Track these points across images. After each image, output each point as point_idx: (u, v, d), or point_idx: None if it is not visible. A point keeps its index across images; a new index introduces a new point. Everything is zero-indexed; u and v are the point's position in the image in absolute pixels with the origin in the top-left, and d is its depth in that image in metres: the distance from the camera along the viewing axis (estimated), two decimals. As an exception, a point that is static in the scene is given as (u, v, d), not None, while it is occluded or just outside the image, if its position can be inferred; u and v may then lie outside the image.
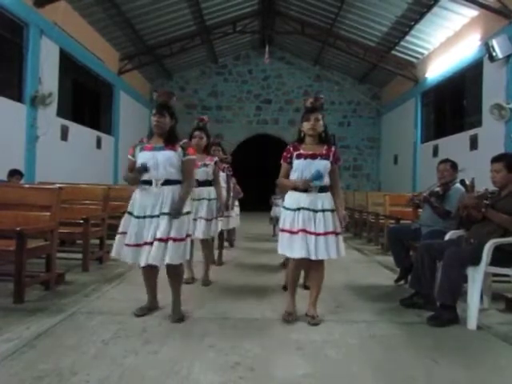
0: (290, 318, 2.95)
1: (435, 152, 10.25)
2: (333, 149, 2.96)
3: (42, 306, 3.14)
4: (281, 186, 3.12)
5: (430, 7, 8.68)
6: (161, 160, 2.84)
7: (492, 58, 7.22)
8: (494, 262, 2.93)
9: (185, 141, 3.03)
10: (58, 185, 4.19)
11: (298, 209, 2.87)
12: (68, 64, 8.69)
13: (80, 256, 4.43)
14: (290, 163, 2.96)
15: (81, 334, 2.59)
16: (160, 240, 2.75)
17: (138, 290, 3.44)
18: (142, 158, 2.88)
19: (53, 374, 2.05)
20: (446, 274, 2.98)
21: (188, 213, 2.94)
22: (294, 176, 2.94)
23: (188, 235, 2.92)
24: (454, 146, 9.11)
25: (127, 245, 2.84)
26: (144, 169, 2.83)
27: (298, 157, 2.92)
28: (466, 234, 3.33)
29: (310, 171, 2.86)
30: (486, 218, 3.10)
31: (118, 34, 10.31)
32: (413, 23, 9.55)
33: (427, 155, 10.67)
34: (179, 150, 2.92)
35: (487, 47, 7.22)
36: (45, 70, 7.49)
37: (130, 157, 3.01)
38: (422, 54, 10.82)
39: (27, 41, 7.20)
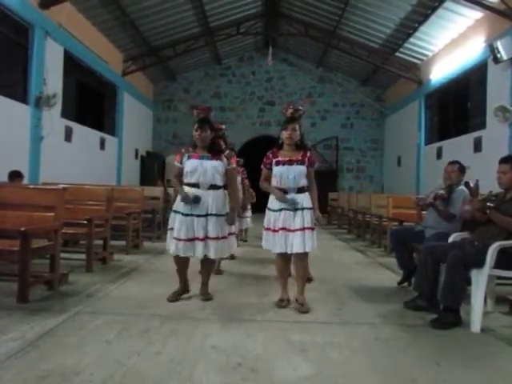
0: (282, 303, 3.30)
1: (439, 154, 10.22)
2: (308, 154, 3.31)
3: (46, 305, 3.16)
4: (263, 189, 3.42)
5: (434, 9, 8.66)
6: (208, 168, 3.30)
7: (496, 60, 7.20)
8: (498, 264, 2.92)
9: (228, 151, 3.57)
10: (62, 185, 4.21)
11: (280, 209, 3.22)
12: (72, 65, 8.74)
13: (83, 256, 4.44)
14: (270, 169, 3.33)
15: (84, 334, 2.60)
16: (216, 239, 3.27)
17: (141, 290, 3.46)
18: (191, 165, 3.30)
19: (56, 374, 2.06)
20: (449, 276, 2.97)
21: (227, 213, 3.38)
22: (274, 180, 3.29)
23: (231, 233, 3.46)
24: (457, 148, 9.08)
25: (178, 239, 3.23)
26: (197, 200, 3.21)
27: (277, 163, 3.28)
28: (470, 236, 3.32)
29: (287, 176, 3.21)
30: (491, 221, 3.09)
31: (122, 35, 10.36)
32: (417, 25, 9.53)
33: (431, 157, 10.64)
34: (225, 160, 3.40)
35: (492, 49, 7.20)
36: (49, 71, 7.54)
37: (177, 164, 3.42)
38: (426, 55, 10.80)
39: (32, 42, 7.24)
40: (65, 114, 8.31)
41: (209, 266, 3.55)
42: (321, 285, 4.13)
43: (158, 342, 2.52)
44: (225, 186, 3.46)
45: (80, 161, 8.95)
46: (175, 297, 3.37)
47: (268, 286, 3.99)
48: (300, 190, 3.24)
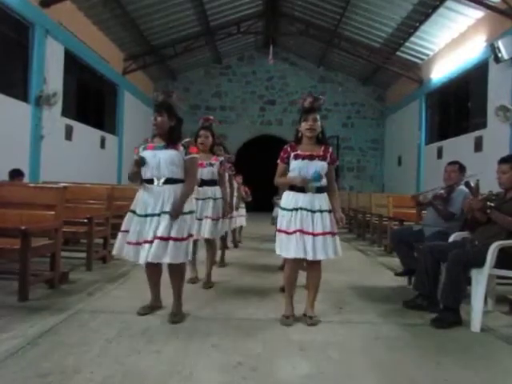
0: (288, 321, 2.90)
1: (439, 154, 10.22)
2: (330, 150, 2.96)
3: (46, 304, 3.16)
4: (279, 185, 3.09)
5: (435, 8, 8.66)
6: (162, 159, 2.84)
7: (497, 60, 7.19)
8: (498, 264, 2.92)
9: (187, 139, 2.98)
10: (63, 184, 4.21)
11: (296, 209, 2.85)
12: (73, 64, 8.73)
13: (84, 255, 4.45)
14: (287, 163, 2.94)
15: (84, 333, 2.61)
16: (160, 239, 2.74)
17: (141, 289, 3.45)
18: (144, 157, 2.90)
19: (56, 372, 2.06)
20: (449, 275, 2.97)
21: (191, 212, 2.93)
22: (292, 176, 2.92)
23: (190, 235, 2.90)
24: (458, 147, 9.08)
25: (129, 243, 2.85)
26: (142, 161, 2.84)
27: (296, 157, 2.90)
28: (470, 235, 3.32)
29: (307, 171, 2.84)
30: (491, 220, 3.08)
31: (123, 34, 10.35)
32: (418, 24, 9.53)
33: (431, 157, 10.63)
34: (181, 148, 2.90)
35: (493, 48, 7.20)
36: (50, 69, 7.53)
37: (134, 156, 2.97)
38: (426, 55, 10.79)
39: (32, 41, 7.24)
40: (65, 112, 8.30)
41: (175, 275, 2.97)
42: (321, 284, 4.13)
43: (158, 340, 2.52)
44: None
45: (80, 159, 8.95)
46: (145, 310, 3.01)
47: (268, 286, 3.99)
48: (319, 190, 2.89)
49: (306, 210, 2.84)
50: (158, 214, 2.81)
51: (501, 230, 3.03)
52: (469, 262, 2.97)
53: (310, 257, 2.80)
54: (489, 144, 7.97)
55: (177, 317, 2.90)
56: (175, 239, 2.77)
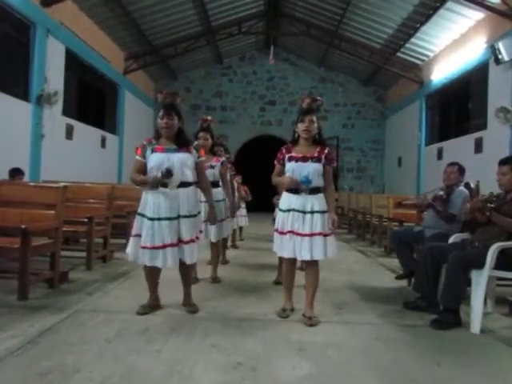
0: (284, 313, 3.03)
1: (440, 155, 10.22)
2: (326, 150, 2.97)
3: (46, 303, 3.16)
4: (274, 183, 3.16)
5: (435, 9, 8.66)
6: (176, 162, 2.87)
7: (498, 61, 7.19)
8: (498, 265, 2.92)
9: (196, 143, 3.17)
10: (63, 183, 4.21)
11: (289, 210, 2.93)
12: (74, 63, 8.73)
13: (84, 254, 4.45)
14: (283, 165, 3.01)
15: (84, 332, 2.61)
16: (189, 241, 2.92)
17: (141, 288, 3.45)
18: (156, 159, 2.88)
19: (56, 371, 2.06)
20: (449, 277, 2.97)
21: (200, 213, 3.11)
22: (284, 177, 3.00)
23: (200, 231, 3.12)
24: (458, 148, 9.08)
25: (144, 247, 2.86)
26: (169, 173, 2.80)
27: (290, 159, 2.96)
28: (470, 237, 3.32)
29: (300, 174, 2.88)
30: (491, 222, 3.09)
31: (124, 33, 10.35)
32: (418, 25, 9.52)
33: (431, 158, 10.64)
34: (194, 152, 3.00)
35: (493, 50, 7.20)
36: (51, 69, 7.53)
37: (138, 157, 2.96)
38: (427, 56, 10.79)
39: (33, 40, 7.24)
40: (66, 112, 8.30)
41: (187, 272, 3.14)
42: (321, 284, 4.13)
43: (158, 340, 2.52)
44: (196, 182, 3.07)
45: (81, 159, 8.95)
46: (145, 310, 3.01)
47: (268, 286, 4.00)
48: (313, 191, 2.90)
49: (298, 211, 2.90)
50: (176, 218, 2.88)
51: (501, 231, 3.03)
52: (469, 263, 2.97)
53: (299, 257, 2.92)
54: (489, 145, 7.97)
55: (193, 307, 3.10)
56: (196, 239, 2.99)
